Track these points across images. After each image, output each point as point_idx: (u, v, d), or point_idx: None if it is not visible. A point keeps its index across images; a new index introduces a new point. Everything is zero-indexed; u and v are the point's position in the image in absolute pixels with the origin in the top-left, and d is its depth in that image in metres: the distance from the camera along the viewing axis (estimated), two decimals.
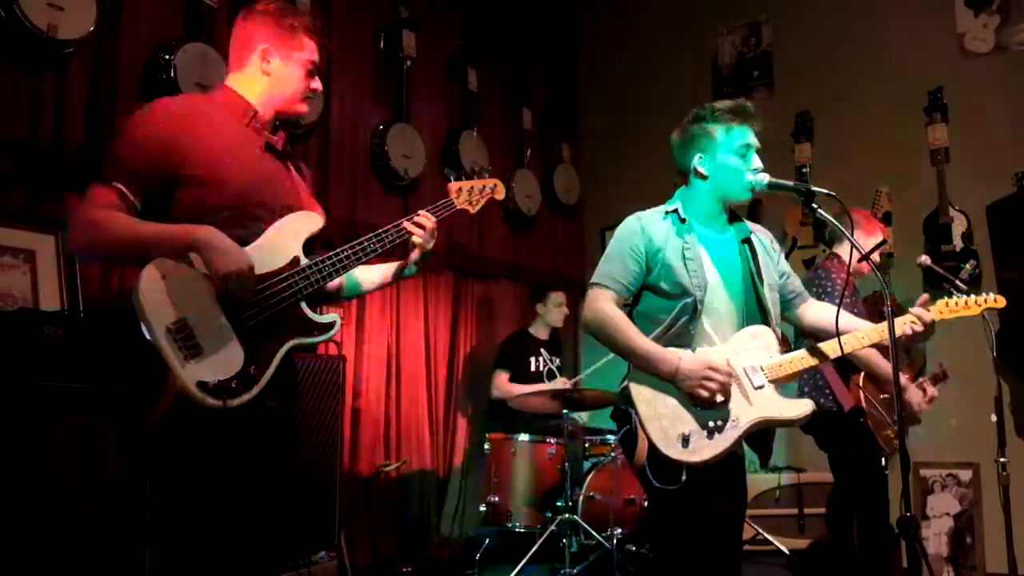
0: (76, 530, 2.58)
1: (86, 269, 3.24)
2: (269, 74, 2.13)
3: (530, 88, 5.82)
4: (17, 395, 2.54)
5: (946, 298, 2.64)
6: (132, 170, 1.94)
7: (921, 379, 3.49)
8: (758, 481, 4.71)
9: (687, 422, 2.24)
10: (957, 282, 3.31)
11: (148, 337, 1.82)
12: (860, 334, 2.41)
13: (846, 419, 3.23)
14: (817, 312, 2.59)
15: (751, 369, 2.32)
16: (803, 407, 2.31)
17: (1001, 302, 2.68)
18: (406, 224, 2.22)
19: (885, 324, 2.42)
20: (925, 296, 2.51)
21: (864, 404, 3.19)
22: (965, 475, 4.55)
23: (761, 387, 2.31)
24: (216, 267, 1.86)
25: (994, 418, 2.99)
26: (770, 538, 4.39)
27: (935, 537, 4.55)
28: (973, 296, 2.65)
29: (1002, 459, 2.86)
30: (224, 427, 1.87)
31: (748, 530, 4.37)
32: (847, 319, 2.53)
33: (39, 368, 2.56)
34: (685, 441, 2.21)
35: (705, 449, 2.21)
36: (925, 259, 3.45)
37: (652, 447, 2.22)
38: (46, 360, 2.58)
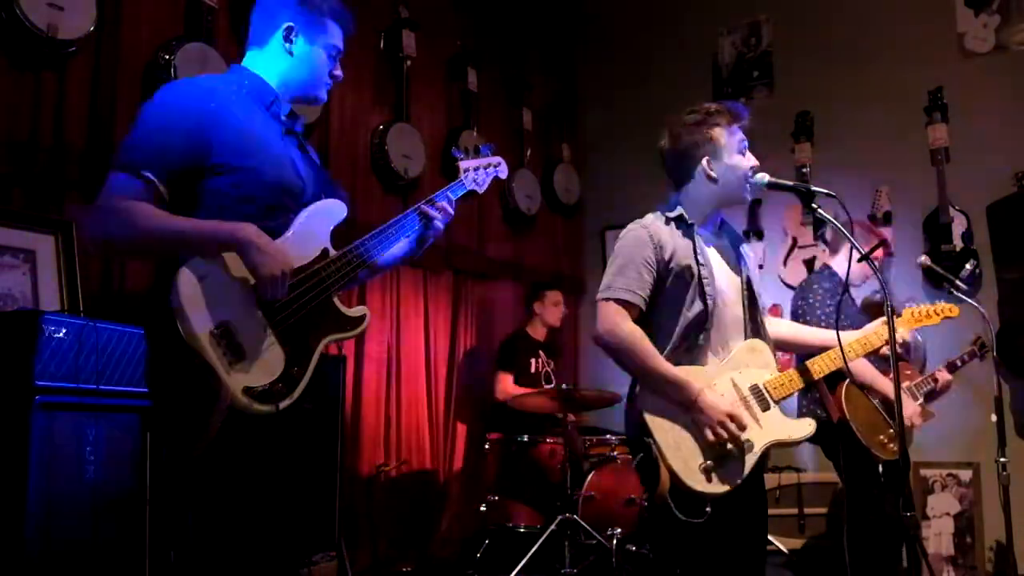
0: (77, 530, 2.58)
1: (87, 269, 3.24)
2: (292, 54, 2.02)
3: (530, 88, 5.82)
4: (17, 395, 2.54)
5: (910, 308, 2.72)
6: (159, 156, 1.80)
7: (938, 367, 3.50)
8: None
9: (705, 452, 2.19)
10: (957, 282, 3.32)
11: (191, 344, 1.71)
12: (846, 348, 2.40)
13: (837, 428, 3.26)
14: (776, 329, 2.57)
15: (755, 390, 2.30)
16: (807, 427, 2.32)
17: (955, 311, 2.76)
18: (425, 208, 2.15)
19: (864, 336, 2.50)
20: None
21: (847, 415, 3.20)
22: (965, 475, 4.55)
23: (767, 409, 2.30)
24: (260, 270, 1.78)
25: (994, 418, 2.99)
26: (770, 538, 4.39)
27: (935, 537, 4.54)
28: (931, 304, 2.74)
29: (1002, 459, 2.85)
30: (268, 432, 1.79)
31: None
32: (804, 330, 2.63)
33: (39, 368, 2.56)
34: (708, 473, 2.17)
35: (726, 479, 2.18)
36: (925, 259, 3.45)
37: (675, 479, 2.16)
38: (46, 360, 2.58)
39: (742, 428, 2.20)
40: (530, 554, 4.04)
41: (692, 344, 2.29)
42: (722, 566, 2.23)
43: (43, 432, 2.54)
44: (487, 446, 4.56)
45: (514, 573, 4.00)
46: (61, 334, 2.62)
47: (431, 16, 5.07)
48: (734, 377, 2.29)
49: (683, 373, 2.24)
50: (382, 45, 4.80)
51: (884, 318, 2.44)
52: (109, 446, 2.73)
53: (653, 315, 2.34)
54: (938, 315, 2.73)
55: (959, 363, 3.59)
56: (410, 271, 4.92)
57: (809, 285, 3.47)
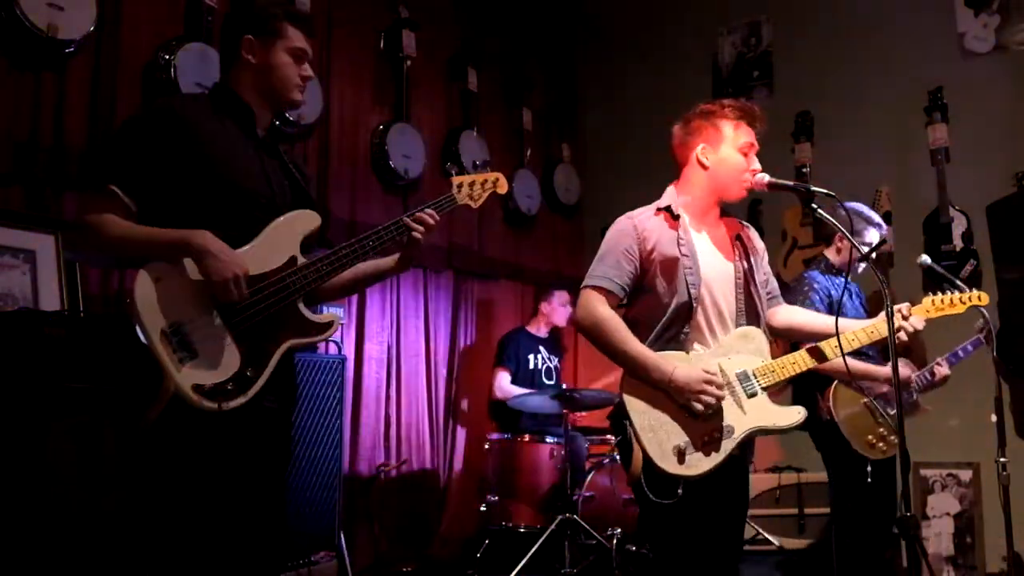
0: (76, 530, 2.58)
1: (86, 269, 3.24)
2: (254, 65, 2.11)
3: (530, 88, 5.82)
4: (17, 395, 2.54)
5: (931, 296, 2.65)
6: (127, 172, 1.94)
7: (937, 359, 3.48)
8: (758, 481, 4.70)
9: (682, 435, 2.21)
10: (957, 282, 3.31)
11: (144, 341, 1.82)
12: (851, 336, 2.40)
13: (825, 427, 3.27)
14: (789, 315, 2.57)
15: (743, 376, 2.30)
16: (795, 415, 2.29)
17: (985, 299, 2.71)
18: (407, 220, 2.18)
19: (872, 325, 2.45)
20: (907, 304, 2.53)
21: (836, 416, 3.20)
22: (965, 475, 4.54)
23: (754, 395, 2.29)
24: (211, 273, 1.86)
25: (994, 418, 2.99)
26: (770, 538, 4.39)
27: (935, 537, 4.54)
28: (958, 293, 2.66)
29: (1002, 459, 2.85)
30: (222, 429, 1.87)
31: (748, 530, 4.36)
32: (815, 317, 2.56)
33: (39, 368, 2.56)
34: (681, 455, 2.18)
35: (701, 462, 2.19)
36: (925, 259, 3.44)
37: (648, 461, 2.19)
38: (46, 360, 2.58)
39: (722, 388, 2.22)
40: (530, 554, 4.04)
41: (676, 334, 2.31)
42: (697, 552, 2.23)
43: (43, 433, 2.54)
44: (487, 446, 4.57)
45: (514, 573, 4.00)
46: (61, 334, 2.62)
47: (431, 16, 5.07)
48: (721, 362, 2.29)
49: (665, 358, 2.26)
50: (382, 45, 4.80)
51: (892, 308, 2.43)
52: (108, 446, 2.73)
53: (637, 306, 2.38)
54: (963, 303, 2.66)
55: (961, 353, 3.55)
56: (410, 271, 4.92)
57: (801, 285, 3.45)
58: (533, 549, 4.06)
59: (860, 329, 2.44)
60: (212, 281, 1.86)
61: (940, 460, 4.56)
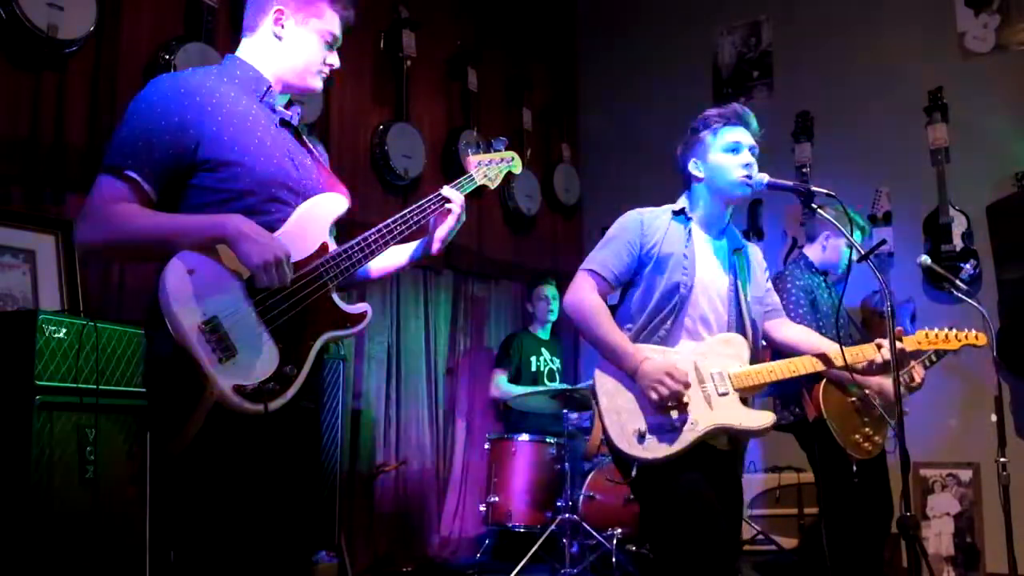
0: (77, 530, 2.58)
1: (86, 269, 3.24)
2: (281, 39, 1.94)
3: (530, 88, 5.82)
4: (17, 395, 2.54)
5: (927, 329, 2.65)
6: (144, 156, 1.73)
7: (912, 363, 3.48)
8: (758, 481, 4.71)
9: (643, 420, 2.27)
10: (957, 282, 3.31)
11: (177, 339, 1.65)
12: (835, 353, 2.40)
13: (812, 427, 3.28)
14: (787, 332, 2.60)
15: (718, 375, 2.33)
16: (763, 419, 2.32)
17: (983, 340, 2.68)
18: (435, 201, 2.06)
19: (859, 348, 2.46)
20: (900, 328, 2.53)
21: (825, 414, 3.21)
22: (965, 475, 4.55)
23: (725, 394, 2.32)
24: (250, 258, 1.69)
25: (994, 418, 2.99)
26: (770, 538, 4.39)
27: (935, 537, 4.55)
28: (955, 330, 2.65)
29: (1002, 459, 2.85)
30: (261, 432, 1.72)
31: (748, 530, 4.36)
32: (812, 338, 2.56)
33: (39, 368, 2.56)
34: (640, 438, 2.25)
35: (659, 448, 2.24)
36: (925, 259, 3.44)
37: (607, 438, 2.29)
38: (46, 360, 2.58)
39: (684, 384, 2.23)
40: (530, 554, 4.04)
41: (663, 327, 2.35)
42: (696, 548, 2.23)
43: (43, 432, 2.54)
44: (487, 446, 4.57)
45: (514, 573, 4.00)
46: (61, 334, 2.62)
47: (431, 16, 5.07)
48: (697, 360, 2.33)
49: (639, 349, 2.31)
50: (382, 45, 4.80)
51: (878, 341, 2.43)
52: (109, 446, 2.73)
53: (629, 297, 2.45)
54: (959, 341, 2.62)
55: (927, 363, 3.54)
56: (410, 271, 4.92)
57: (782, 283, 3.44)
58: (533, 549, 4.06)
59: (847, 349, 2.45)
60: (252, 266, 1.69)
61: (940, 460, 4.57)
